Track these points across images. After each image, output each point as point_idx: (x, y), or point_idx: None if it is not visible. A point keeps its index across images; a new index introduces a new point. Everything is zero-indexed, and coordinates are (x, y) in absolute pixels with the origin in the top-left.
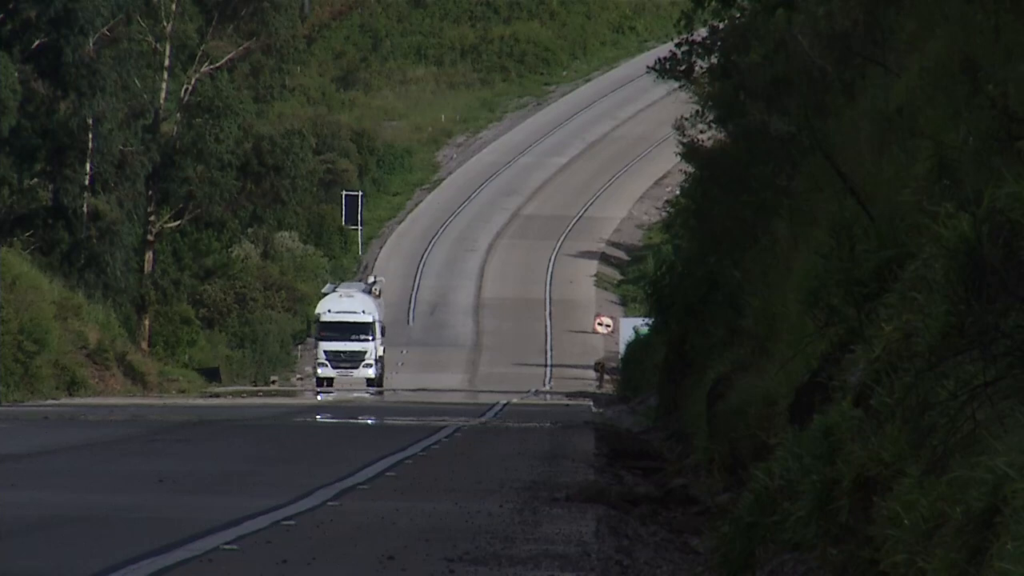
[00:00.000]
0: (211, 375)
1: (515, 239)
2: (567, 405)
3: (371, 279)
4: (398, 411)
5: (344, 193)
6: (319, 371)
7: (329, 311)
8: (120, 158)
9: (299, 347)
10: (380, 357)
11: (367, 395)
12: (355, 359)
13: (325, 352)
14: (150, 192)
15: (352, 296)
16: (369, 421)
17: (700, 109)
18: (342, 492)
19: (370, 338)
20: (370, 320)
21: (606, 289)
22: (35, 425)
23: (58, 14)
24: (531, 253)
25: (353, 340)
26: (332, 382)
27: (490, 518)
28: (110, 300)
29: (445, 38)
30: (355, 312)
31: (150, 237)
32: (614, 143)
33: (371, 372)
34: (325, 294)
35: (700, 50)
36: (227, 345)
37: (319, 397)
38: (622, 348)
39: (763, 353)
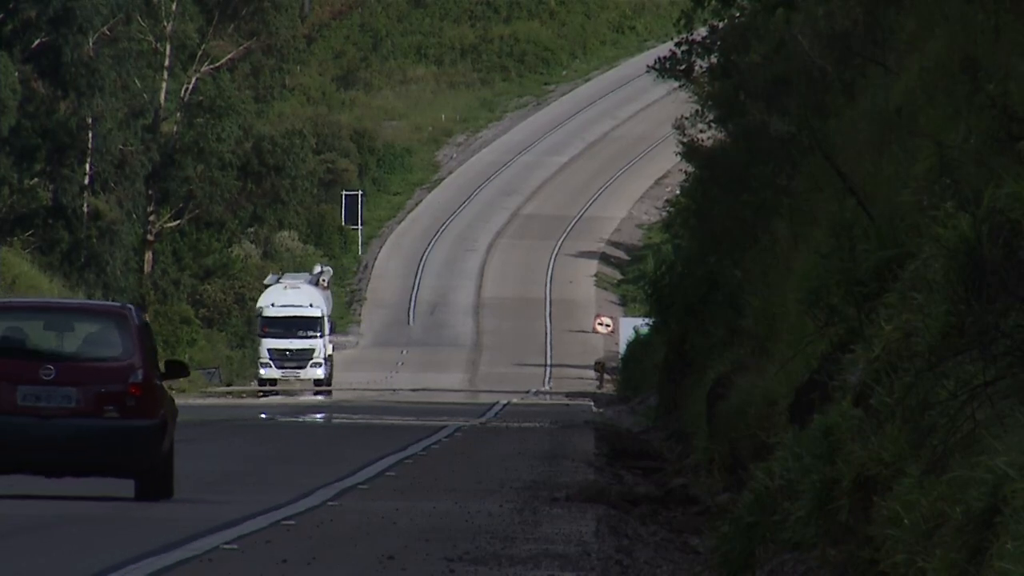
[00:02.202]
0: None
1: (515, 239)
2: (567, 405)
3: (317, 269)
4: (398, 411)
5: (344, 193)
6: (261, 372)
7: (272, 305)
8: (120, 158)
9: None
10: (329, 356)
11: (359, 395)
12: (302, 358)
13: (269, 351)
14: (150, 192)
15: (298, 288)
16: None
17: (700, 109)
18: (342, 492)
19: (318, 335)
20: (318, 314)
21: (606, 289)
22: None
23: (57, 13)
24: (531, 253)
25: (300, 337)
26: (276, 383)
27: (490, 518)
28: (110, 300)
29: (445, 38)
30: (301, 306)
31: (150, 237)
32: (614, 143)
33: (320, 372)
34: (267, 285)
35: (700, 50)
36: (227, 345)
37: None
38: (622, 348)
39: (763, 353)
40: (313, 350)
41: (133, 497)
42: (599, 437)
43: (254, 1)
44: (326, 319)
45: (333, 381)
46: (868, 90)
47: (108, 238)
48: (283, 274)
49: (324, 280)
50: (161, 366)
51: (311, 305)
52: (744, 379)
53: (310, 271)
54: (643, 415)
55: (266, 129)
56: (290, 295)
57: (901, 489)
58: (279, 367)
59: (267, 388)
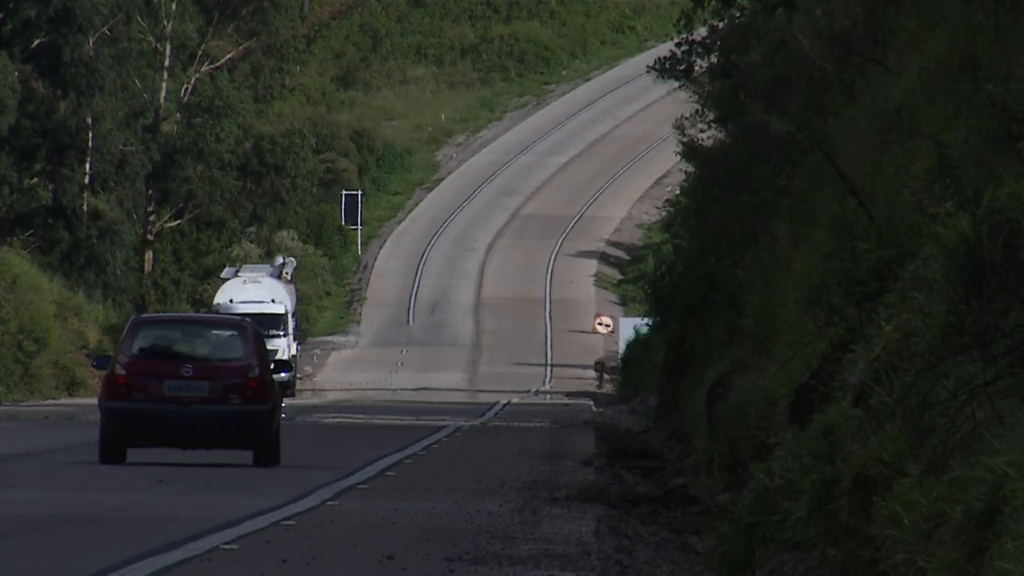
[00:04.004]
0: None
1: (515, 239)
2: (567, 405)
3: (279, 260)
4: (398, 410)
5: (344, 193)
6: None
7: (231, 301)
8: (120, 158)
9: (299, 346)
10: (293, 356)
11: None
12: None
13: None
14: (150, 192)
15: (259, 282)
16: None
17: (700, 109)
18: (342, 492)
19: (281, 333)
20: (281, 311)
21: (606, 289)
22: (35, 425)
23: (57, 13)
24: (531, 253)
25: None
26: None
27: (490, 518)
28: (110, 300)
29: (445, 38)
30: (263, 301)
31: (150, 237)
32: (614, 143)
33: (282, 375)
34: (225, 279)
35: (700, 50)
36: None
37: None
38: (622, 348)
39: (763, 353)
40: (276, 351)
41: (251, 464)
42: (599, 437)
43: (254, 1)
44: (290, 316)
45: (316, 383)
46: (868, 90)
47: (108, 238)
48: (242, 266)
49: (288, 272)
50: (270, 364)
51: (273, 301)
52: (744, 379)
53: (272, 262)
54: (643, 415)
55: (266, 129)
56: (250, 290)
57: (901, 489)
58: None
59: None
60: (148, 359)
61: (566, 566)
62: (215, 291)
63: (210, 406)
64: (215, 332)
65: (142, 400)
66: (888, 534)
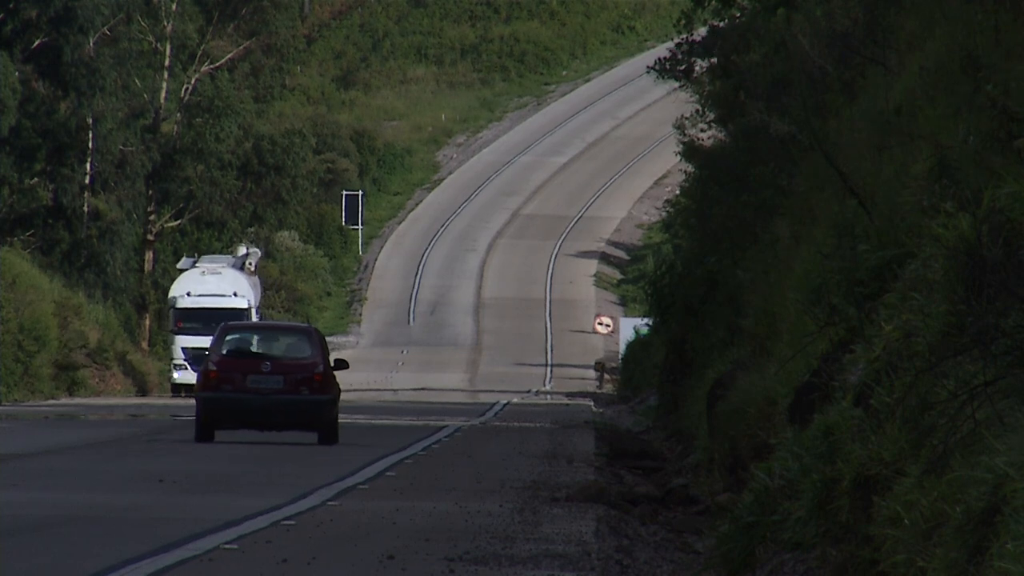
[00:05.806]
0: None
1: (515, 239)
2: (567, 405)
3: (243, 250)
4: (398, 411)
5: (344, 193)
6: (175, 375)
7: (188, 294)
8: (120, 158)
9: None
10: None
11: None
12: None
13: (183, 350)
14: (150, 192)
15: (219, 273)
16: None
17: (700, 109)
18: (342, 492)
19: None
20: (244, 306)
21: (606, 289)
22: (35, 425)
23: (58, 13)
24: (531, 253)
25: None
26: (193, 389)
27: (490, 518)
28: (110, 300)
29: (445, 38)
30: (223, 295)
31: (150, 237)
32: (614, 143)
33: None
34: (183, 270)
35: (700, 50)
36: None
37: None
38: (622, 348)
39: (763, 353)
40: None
41: (316, 442)
42: (599, 437)
43: (254, 1)
44: (254, 311)
45: None
46: (868, 90)
47: (108, 238)
48: (200, 256)
49: (251, 264)
50: (331, 362)
51: (235, 294)
52: (744, 379)
53: (234, 253)
54: (643, 415)
55: (266, 129)
56: (209, 282)
57: (901, 489)
58: (196, 369)
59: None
60: (234, 358)
61: (566, 566)
62: None
63: (284, 396)
64: (288, 336)
65: (229, 391)
66: (888, 534)
